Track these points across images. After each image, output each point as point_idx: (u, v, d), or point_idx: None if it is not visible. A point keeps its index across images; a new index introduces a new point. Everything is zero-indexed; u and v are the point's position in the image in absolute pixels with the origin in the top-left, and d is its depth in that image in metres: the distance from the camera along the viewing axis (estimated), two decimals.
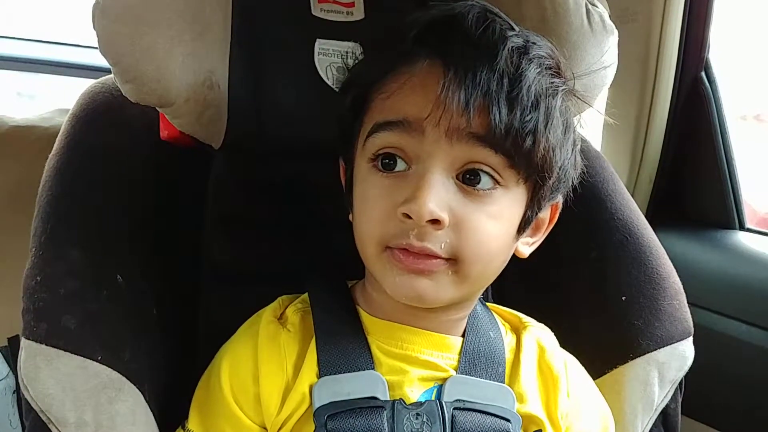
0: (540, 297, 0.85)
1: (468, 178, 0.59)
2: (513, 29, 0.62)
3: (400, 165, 0.60)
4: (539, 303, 0.81)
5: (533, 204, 0.64)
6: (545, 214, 0.68)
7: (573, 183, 0.67)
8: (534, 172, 0.61)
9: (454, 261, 0.60)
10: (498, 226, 0.61)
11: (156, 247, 0.77)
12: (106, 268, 0.70)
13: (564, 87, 0.63)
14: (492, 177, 0.60)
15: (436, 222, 0.58)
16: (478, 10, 0.61)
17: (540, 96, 0.59)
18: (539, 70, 0.60)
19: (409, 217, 0.58)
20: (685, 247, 1.18)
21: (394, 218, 0.59)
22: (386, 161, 0.61)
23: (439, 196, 0.58)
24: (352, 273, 0.72)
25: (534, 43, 0.62)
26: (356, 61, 0.70)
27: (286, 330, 0.67)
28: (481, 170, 0.59)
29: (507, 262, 0.66)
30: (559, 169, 0.63)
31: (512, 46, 0.59)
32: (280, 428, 0.64)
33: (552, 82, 0.61)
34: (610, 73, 0.80)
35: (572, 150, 0.65)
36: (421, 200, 0.57)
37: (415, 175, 0.59)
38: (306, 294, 0.71)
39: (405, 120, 0.59)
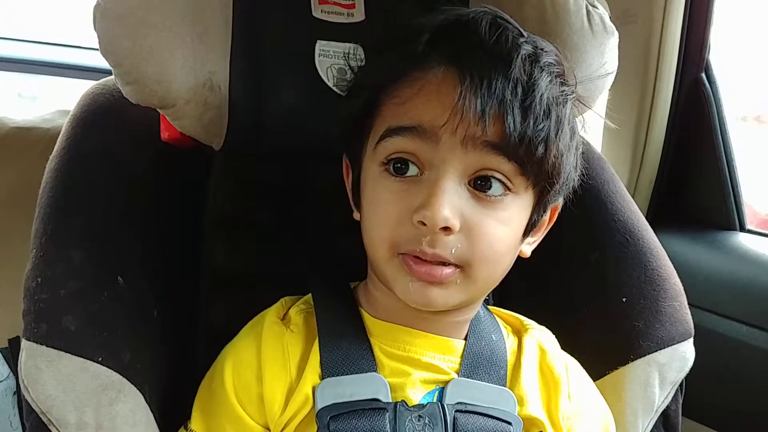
0: (541, 298, 0.85)
1: (479, 184, 0.60)
2: (522, 35, 0.62)
3: (413, 170, 0.61)
4: (540, 304, 0.81)
5: (539, 208, 0.65)
6: (546, 215, 0.68)
7: (574, 184, 0.68)
8: (543, 179, 0.62)
9: (462, 267, 0.61)
10: (507, 231, 0.62)
11: (157, 248, 0.77)
12: (106, 269, 0.70)
13: (572, 95, 0.64)
14: (503, 183, 0.60)
15: (447, 228, 0.58)
16: (491, 17, 0.62)
17: (551, 104, 0.60)
18: (550, 78, 0.61)
19: (424, 224, 0.58)
20: (686, 249, 1.18)
21: (407, 223, 0.59)
22: (398, 165, 0.61)
23: (452, 202, 0.58)
24: (353, 275, 0.72)
25: (542, 50, 0.62)
26: (362, 63, 0.70)
27: (289, 330, 0.67)
28: (493, 177, 0.60)
29: (511, 265, 0.66)
30: (566, 173, 0.64)
31: (524, 54, 0.60)
32: (283, 429, 0.64)
33: (562, 91, 0.62)
34: (611, 75, 0.80)
35: (575, 153, 0.66)
36: (435, 207, 0.57)
37: (429, 181, 0.59)
38: (309, 295, 0.71)
39: (420, 126, 0.59)
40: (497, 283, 0.67)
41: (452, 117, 0.58)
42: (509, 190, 0.61)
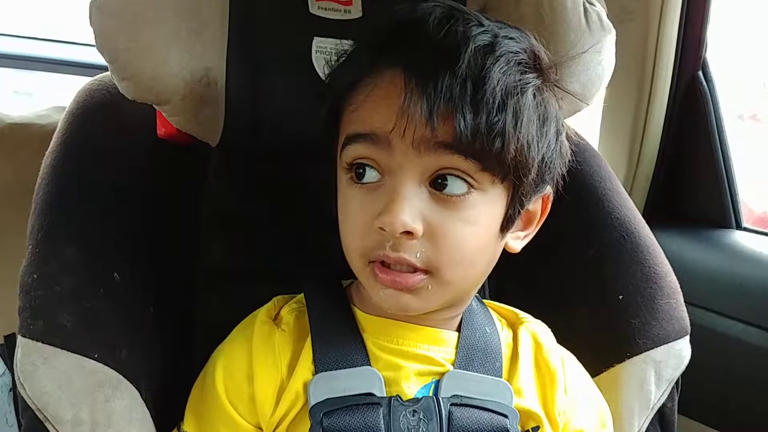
0: (537, 295, 0.85)
1: (439, 183, 0.58)
2: (481, 25, 0.60)
3: (374, 175, 0.60)
4: (536, 301, 0.80)
5: (515, 202, 0.62)
6: (535, 207, 0.66)
7: (562, 171, 0.66)
8: (508, 172, 0.59)
9: (431, 272, 0.60)
10: (475, 230, 0.60)
11: (153, 245, 0.77)
12: (103, 265, 0.70)
13: (536, 81, 0.61)
14: (465, 181, 0.59)
15: (409, 233, 0.57)
16: (442, 10, 0.59)
17: (507, 95, 0.57)
18: (505, 68, 0.58)
19: (385, 230, 0.58)
20: (682, 246, 1.18)
21: (372, 230, 0.59)
22: (359, 171, 0.60)
23: (412, 207, 0.57)
24: (348, 273, 0.72)
25: (504, 37, 0.60)
26: (333, 66, 0.69)
27: (280, 330, 0.67)
28: (452, 175, 0.58)
29: (496, 261, 0.65)
30: (541, 163, 0.61)
31: (476, 46, 0.57)
32: (275, 428, 0.64)
33: (520, 79, 0.59)
34: (608, 72, 0.80)
35: (556, 139, 0.63)
36: (394, 213, 0.57)
37: (388, 187, 0.59)
38: (301, 294, 0.71)
39: (372, 133, 0.58)
40: (480, 281, 0.66)
41: (399, 121, 0.56)
42: (473, 187, 0.59)
